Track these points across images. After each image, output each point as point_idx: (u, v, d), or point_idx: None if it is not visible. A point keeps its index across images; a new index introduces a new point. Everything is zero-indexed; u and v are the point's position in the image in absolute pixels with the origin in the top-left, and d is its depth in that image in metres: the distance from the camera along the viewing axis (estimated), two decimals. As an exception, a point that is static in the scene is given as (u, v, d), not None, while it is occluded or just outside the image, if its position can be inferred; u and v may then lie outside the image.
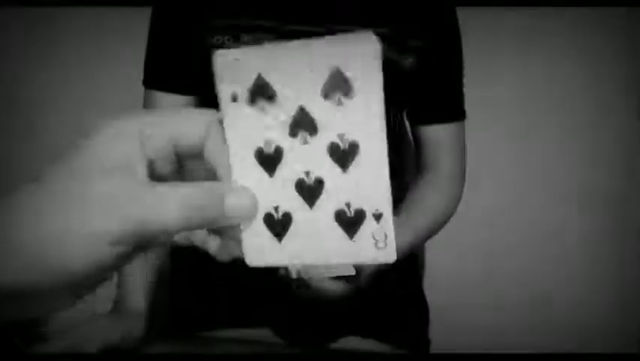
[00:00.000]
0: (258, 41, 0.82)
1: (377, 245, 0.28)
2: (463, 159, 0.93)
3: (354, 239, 0.28)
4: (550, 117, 1.24)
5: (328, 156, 0.27)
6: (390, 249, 0.28)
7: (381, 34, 0.82)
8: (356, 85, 0.26)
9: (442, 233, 0.91)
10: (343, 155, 0.27)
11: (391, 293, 0.89)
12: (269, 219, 0.28)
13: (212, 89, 0.78)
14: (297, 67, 0.26)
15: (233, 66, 0.27)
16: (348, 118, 0.27)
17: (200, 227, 0.28)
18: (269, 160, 0.28)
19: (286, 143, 0.27)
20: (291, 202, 0.28)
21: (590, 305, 1.23)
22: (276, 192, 0.28)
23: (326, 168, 0.28)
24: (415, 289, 0.96)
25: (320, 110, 0.27)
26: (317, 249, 0.28)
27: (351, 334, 0.87)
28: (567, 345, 1.20)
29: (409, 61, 0.86)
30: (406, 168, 1.02)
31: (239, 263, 0.31)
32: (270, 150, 0.28)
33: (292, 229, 0.28)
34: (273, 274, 0.73)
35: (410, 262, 0.91)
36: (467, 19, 0.92)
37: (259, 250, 0.29)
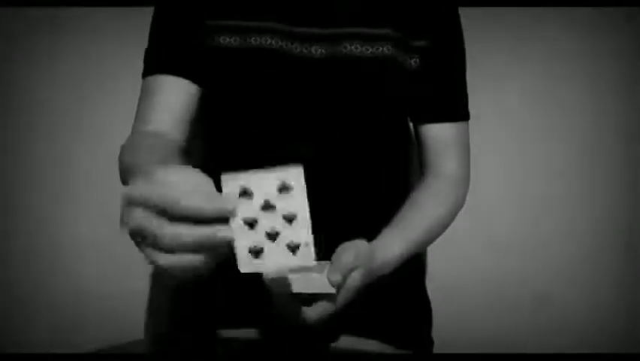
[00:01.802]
0: (265, 43, 0.82)
1: (305, 258, 0.53)
2: (467, 162, 0.92)
3: (295, 255, 0.53)
4: (551, 117, 1.24)
5: (282, 220, 0.52)
6: (311, 260, 0.54)
7: (387, 34, 0.82)
8: (293, 187, 0.52)
9: (444, 233, 0.90)
10: (289, 218, 0.52)
11: (394, 293, 0.89)
12: (251, 251, 0.52)
13: (214, 88, 0.78)
14: (265, 182, 0.52)
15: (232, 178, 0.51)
16: (289, 202, 0.52)
17: None
18: (250, 224, 0.52)
19: (260, 215, 0.52)
20: (264, 242, 0.52)
21: (592, 305, 1.22)
22: (255, 238, 0.52)
23: (281, 225, 0.52)
24: (417, 289, 0.96)
25: (275, 199, 0.52)
26: (276, 261, 0.53)
27: (353, 334, 0.86)
28: (570, 345, 1.20)
29: (413, 60, 0.86)
30: (409, 170, 1.01)
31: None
32: (250, 219, 0.52)
33: (264, 254, 0.52)
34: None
35: (412, 262, 0.90)
36: (467, 18, 0.92)
37: (245, 265, 0.52)
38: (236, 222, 0.51)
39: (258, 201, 0.52)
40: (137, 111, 0.84)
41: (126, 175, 0.69)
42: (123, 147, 0.78)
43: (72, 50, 1.22)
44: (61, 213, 1.23)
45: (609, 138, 1.22)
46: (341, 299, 0.68)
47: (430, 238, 0.88)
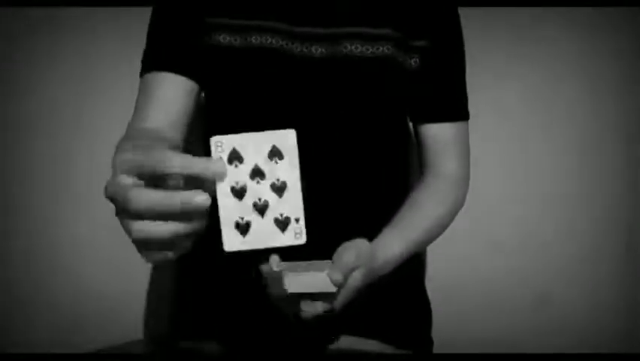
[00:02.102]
0: (266, 42, 0.82)
1: (295, 236, 0.50)
2: (467, 162, 0.92)
3: (284, 233, 0.50)
4: (551, 117, 1.24)
5: (271, 190, 0.50)
6: (302, 238, 0.50)
7: (387, 34, 0.82)
8: (284, 153, 0.50)
9: (444, 233, 0.90)
10: (279, 189, 0.50)
11: (394, 293, 0.89)
12: (237, 225, 0.49)
13: (214, 88, 0.78)
14: (256, 145, 0.49)
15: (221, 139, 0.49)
16: (280, 170, 0.50)
17: None
18: (237, 192, 0.49)
19: (248, 183, 0.49)
20: (251, 215, 0.49)
21: (592, 305, 1.22)
22: (242, 210, 0.49)
23: (270, 196, 0.50)
24: (417, 289, 0.96)
25: (265, 164, 0.49)
26: (263, 239, 0.50)
27: (352, 334, 0.86)
28: (570, 345, 1.20)
29: (413, 60, 0.86)
30: (409, 170, 1.01)
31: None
32: (238, 187, 0.49)
33: (251, 230, 0.49)
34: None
35: (412, 262, 0.90)
36: (467, 19, 0.92)
37: (231, 243, 0.49)
38: (223, 192, 0.49)
39: (247, 167, 0.49)
40: (135, 108, 0.83)
41: None
42: (119, 146, 0.78)
43: (72, 50, 1.22)
44: (61, 213, 1.23)
45: (609, 138, 1.22)
46: (341, 299, 0.68)
47: (430, 238, 0.88)
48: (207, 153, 0.91)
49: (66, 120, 1.22)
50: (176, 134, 0.81)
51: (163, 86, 0.82)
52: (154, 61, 0.84)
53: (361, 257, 0.69)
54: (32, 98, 1.21)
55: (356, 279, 0.68)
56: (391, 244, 0.78)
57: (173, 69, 0.82)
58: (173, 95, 0.82)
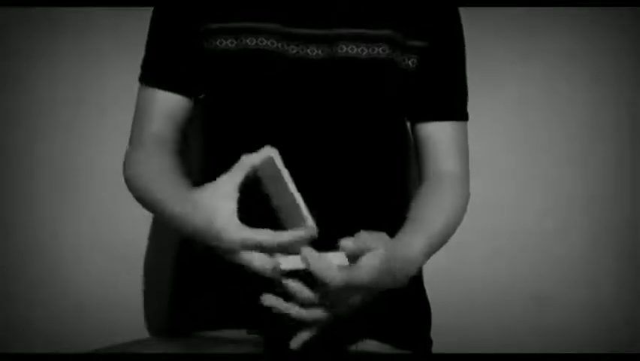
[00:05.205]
0: (261, 44, 0.82)
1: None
2: (466, 162, 0.92)
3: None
4: (550, 118, 1.24)
5: None
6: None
7: (383, 35, 0.82)
8: None
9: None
10: None
11: (392, 292, 0.88)
12: None
13: (212, 91, 0.80)
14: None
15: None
16: None
17: None
18: None
19: None
20: None
21: (592, 305, 1.22)
22: None
23: None
24: (416, 288, 0.96)
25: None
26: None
27: (351, 334, 0.86)
28: (570, 345, 1.19)
29: (411, 61, 0.86)
30: (407, 171, 1.01)
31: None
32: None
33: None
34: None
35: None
36: (467, 18, 0.92)
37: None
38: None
39: None
40: (135, 115, 0.89)
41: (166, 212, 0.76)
42: (135, 175, 0.85)
43: (71, 50, 1.22)
44: (61, 213, 1.23)
45: (610, 138, 1.22)
46: (351, 275, 0.66)
47: (448, 233, 0.84)
48: (207, 152, 0.92)
49: (65, 119, 1.22)
50: (178, 136, 0.89)
51: (160, 103, 0.87)
52: (151, 76, 0.88)
53: (380, 241, 0.68)
54: (31, 97, 1.21)
55: (372, 259, 0.67)
56: (410, 242, 0.75)
57: (169, 88, 0.87)
58: (167, 109, 0.88)
